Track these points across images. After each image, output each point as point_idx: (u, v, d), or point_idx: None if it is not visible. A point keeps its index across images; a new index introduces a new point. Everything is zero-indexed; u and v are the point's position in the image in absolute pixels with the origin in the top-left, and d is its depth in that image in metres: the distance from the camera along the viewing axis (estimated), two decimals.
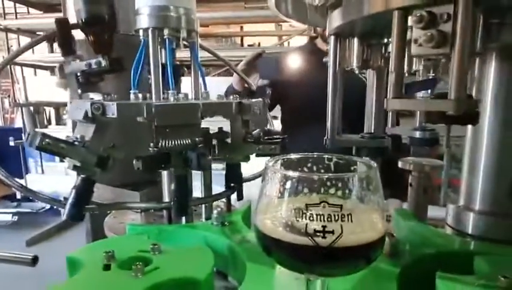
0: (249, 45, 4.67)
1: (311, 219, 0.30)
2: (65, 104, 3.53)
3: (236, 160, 0.81)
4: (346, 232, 0.30)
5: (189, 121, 0.72)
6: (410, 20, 0.49)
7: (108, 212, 0.91)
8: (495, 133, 0.68)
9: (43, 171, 4.06)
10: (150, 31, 0.78)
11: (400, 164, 0.81)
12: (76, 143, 0.66)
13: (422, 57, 0.64)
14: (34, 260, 1.03)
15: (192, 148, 0.70)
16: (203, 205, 0.80)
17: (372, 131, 0.84)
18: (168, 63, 0.80)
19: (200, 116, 0.72)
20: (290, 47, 3.94)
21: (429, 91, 0.71)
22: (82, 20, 0.70)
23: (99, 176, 0.70)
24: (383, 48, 0.71)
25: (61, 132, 1.48)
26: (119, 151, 0.71)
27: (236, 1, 3.91)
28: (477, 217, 0.71)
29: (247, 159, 0.82)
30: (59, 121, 4.55)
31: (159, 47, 0.79)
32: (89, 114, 0.68)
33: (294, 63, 1.53)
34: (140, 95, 0.81)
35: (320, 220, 0.30)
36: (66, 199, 0.70)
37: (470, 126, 0.73)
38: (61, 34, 0.71)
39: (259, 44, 4.73)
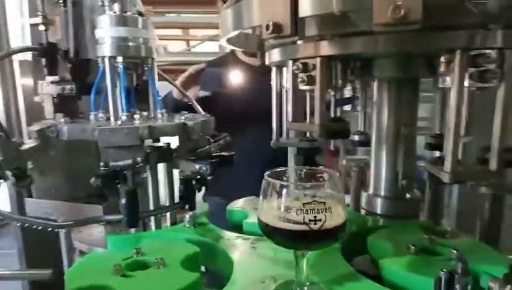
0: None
1: (307, 213, 0.46)
2: None
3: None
4: (328, 219, 0.47)
5: (130, 143, 0.79)
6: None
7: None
8: (385, 139, 0.92)
9: None
10: (106, 59, 0.86)
11: (344, 162, 1.03)
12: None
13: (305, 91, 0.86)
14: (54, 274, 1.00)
15: (133, 167, 0.77)
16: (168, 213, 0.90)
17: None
18: (122, 87, 0.89)
19: (139, 138, 0.79)
20: (199, 52, 4.03)
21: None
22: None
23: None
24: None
25: None
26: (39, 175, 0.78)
27: (145, 5, 3.87)
28: (382, 200, 0.96)
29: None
30: None
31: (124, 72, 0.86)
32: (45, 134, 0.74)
33: (236, 77, 1.65)
34: (101, 115, 0.89)
35: (312, 213, 0.46)
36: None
37: (374, 132, 0.97)
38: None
39: (165, 48, 4.72)
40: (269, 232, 0.51)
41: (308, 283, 0.55)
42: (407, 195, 0.94)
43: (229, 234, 0.78)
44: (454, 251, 0.62)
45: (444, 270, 0.48)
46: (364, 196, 1.00)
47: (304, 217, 0.46)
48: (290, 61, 0.74)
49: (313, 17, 0.64)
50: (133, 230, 0.85)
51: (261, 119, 1.62)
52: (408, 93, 0.90)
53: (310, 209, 0.46)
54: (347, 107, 0.98)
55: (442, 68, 0.63)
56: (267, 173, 0.52)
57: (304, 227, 0.46)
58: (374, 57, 0.84)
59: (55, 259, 1.03)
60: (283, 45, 0.76)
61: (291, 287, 0.55)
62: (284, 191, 0.48)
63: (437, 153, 0.90)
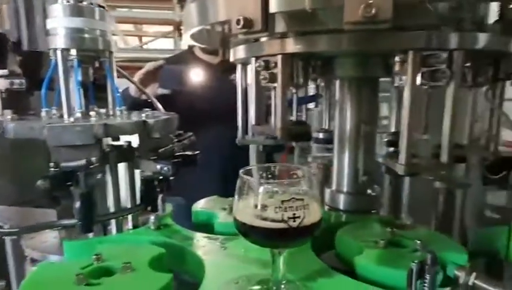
0: None
1: (286, 210, 0.45)
2: None
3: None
4: (306, 216, 0.46)
5: (83, 141, 0.73)
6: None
7: None
8: (346, 136, 0.94)
9: None
10: (58, 52, 0.80)
11: (309, 159, 1.04)
12: None
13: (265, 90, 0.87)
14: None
15: (86, 168, 0.72)
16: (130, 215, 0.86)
17: None
18: (76, 82, 0.83)
19: (94, 137, 0.73)
20: (154, 49, 3.91)
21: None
22: None
23: None
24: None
25: None
26: None
27: None
28: (345, 196, 0.98)
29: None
30: None
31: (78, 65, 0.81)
32: None
33: (196, 75, 1.61)
34: (54, 112, 0.82)
35: (291, 210, 0.45)
36: None
37: (336, 129, 0.99)
38: None
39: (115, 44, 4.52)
40: (246, 231, 0.49)
41: (284, 281, 0.54)
42: (368, 191, 0.97)
43: (197, 235, 0.76)
44: (418, 242, 0.65)
45: (415, 261, 0.50)
46: (327, 192, 1.02)
47: (282, 214, 0.45)
48: (253, 59, 0.73)
49: (283, 14, 0.64)
50: (91, 235, 0.80)
51: (222, 118, 1.60)
52: (368, 92, 0.93)
53: (289, 207, 0.45)
54: (311, 105, 0.99)
55: (396, 68, 0.65)
56: (242, 170, 0.50)
57: (282, 225, 0.45)
58: (335, 55, 0.86)
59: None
60: (247, 42, 0.75)
61: (267, 286, 0.54)
62: (261, 188, 0.47)
63: None
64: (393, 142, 1.01)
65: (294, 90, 0.98)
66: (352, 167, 0.96)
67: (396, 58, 0.64)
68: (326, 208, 1.02)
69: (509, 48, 0.68)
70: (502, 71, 0.68)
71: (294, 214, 0.45)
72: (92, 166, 0.73)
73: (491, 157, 0.78)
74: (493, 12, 0.69)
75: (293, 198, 0.46)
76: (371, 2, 0.52)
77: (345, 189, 0.98)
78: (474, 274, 0.49)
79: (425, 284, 0.51)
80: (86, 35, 0.80)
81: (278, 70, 0.67)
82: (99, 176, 0.77)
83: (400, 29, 0.59)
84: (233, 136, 0.91)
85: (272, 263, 0.53)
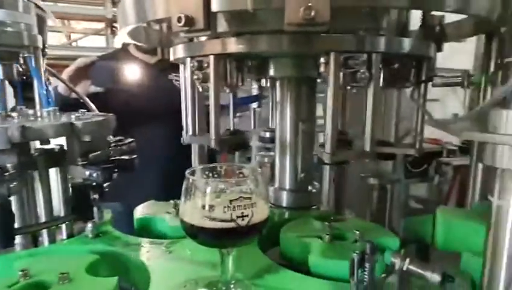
0: None
1: (234, 209, 0.45)
2: None
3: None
4: (254, 214, 0.47)
5: None
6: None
7: None
8: (286, 135, 0.97)
9: None
10: None
11: (256, 158, 1.04)
12: None
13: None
14: None
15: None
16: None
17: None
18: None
19: (8, 141, 0.66)
20: (83, 47, 3.68)
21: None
22: None
23: None
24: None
25: None
26: None
27: None
28: (287, 193, 1.01)
29: None
30: None
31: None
32: None
33: (132, 73, 1.53)
34: None
35: (240, 209, 0.46)
36: None
37: (277, 128, 1.01)
38: None
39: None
40: (195, 233, 0.48)
41: (233, 281, 0.54)
42: (309, 187, 1.01)
43: (140, 240, 0.73)
44: (357, 232, 0.69)
45: (356, 252, 0.53)
46: (270, 191, 1.04)
47: (231, 214, 0.45)
48: (188, 59, 0.73)
49: (225, 13, 0.64)
50: (18, 247, 0.73)
51: (160, 119, 1.56)
52: (306, 92, 0.96)
53: (237, 206, 0.45)
54: (254, 105, 1.00)
55: (321, 69, 0.67)
56: (188, 171, 0.49)
57: (231, 224, 0.45)
58: (271, 56, 0.87)
59: None
60: (186, 42, 0.74)
61: (216, 288, 0.54)
62: (209, 189, 0.47)
63: None
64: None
65: (228, 91, 0.97)
66: (292, 165, 0.99)
67: (321, 60, 0.66)
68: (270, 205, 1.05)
69: (430, 52, 0.75)
70: (425, 73, 0.75)
71: (242, 213, 0.46)
72: (7, 173, 0.66)
73: (417, 154, 0.84)
74: (417, 19, 0.76)
75: (241, 197, 0.46)
76: (310, 4, 0.54)
77: (287, 187, 1.01)
78: (408, 260, 0.54)
79: (366, 273, 0.54)
80: (8, 29, 0.73)
81: (210, 70, 0.67)
82: (13, 184, 0.69)
83: (326, 32, 0.61)
84: (174, 137, 0.89)
85: (221, 264, 0.52)
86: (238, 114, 2.78)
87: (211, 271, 0.60)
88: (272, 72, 0.86)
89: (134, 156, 0.90)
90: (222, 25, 0.65)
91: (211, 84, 0.67)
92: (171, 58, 0.83)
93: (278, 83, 0.96)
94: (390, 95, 1.05)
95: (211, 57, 0.66)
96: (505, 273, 0.54)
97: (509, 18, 0.71)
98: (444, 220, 0.75)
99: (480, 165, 0.87)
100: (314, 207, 1.02)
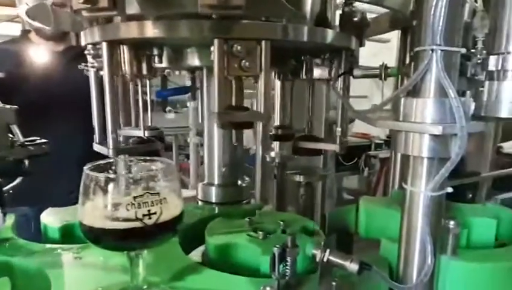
0: None
1: (139, 207, 0.41)
2: None
3: None
4: (164, 211, 0.43)
5: None
6: None
7: None
8: (213, 129, 0.94)
9: None
10: None
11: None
12: None
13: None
14: None
15: None
16: None
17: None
18: None
19: None
20: None
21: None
22: None
23: None
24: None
25: None
26: None
27: None
28: (216, 189, 0.97)
29: None
30: None
31: None
32: None
33: (36, 59, 1.35)
34: None
35: (146, 206, 0.41)
36: None
37: (205, 126, 0.97)
38: None
39: None
40: (96, 236, 0.43)
41: (145, 286, 0.49)
42: (239, 182, 0.99)
43: (46, 247, 0.64)
44: (281, 222, 0.68)
45: (277, 246, 0.51)
46: (200, 187, 1.00)
47: (135, 212, 0.41)
48: (90, 46, 0.66)
49: None
50: None
51: (68, 114, 1.40)
52: (230, 83, 0.93)
53: (143, 203, 0.41)
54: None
55: (212, 57, 0.61)
56: (87, 166, 0.44)
57: (136, 224, 0.41)
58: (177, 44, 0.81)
59: None
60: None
61: None
62: (111, 185, 0.41)
63: None
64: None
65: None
66: (220, 160, 0.96)
67: (212, 48, 0.61)
68: (200, 202, 1.00)
69: (348, 44, 0.74)
70: (345, 66, 0.75)
71: (149, 210, 0.41)
72: None
73: (339, 151, 0.84)
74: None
75: (147, 193, 0.41)
76: None
77: (215, 182, 0.98)
78: (328, 251, 0.53)
79: (287, 267, 0.53)
80: None
81: (104, 58, 0.62)
82: None
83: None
84: (87, 134, 0.81)
85: (130, 268, 0.47)
86: (171, 109, 2.68)
87: (125, 276, 0.54)
88: (191, 62, 0.81)
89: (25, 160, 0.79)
90: (133, 7, 0.59)
91: (105, 74, 0.61)
92: (83, 42, 0.75)
93: (204, 73, 0.92)
94: (319, 90, 1.07)
95: (103, 44, 0.61)
96: (418, 257, 0.56)
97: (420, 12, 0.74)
98: (366, 209, 0.77)
99: (399, 155, 0.91)
100: (245, 201, 1.00)
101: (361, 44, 0.97)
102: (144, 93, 0.93)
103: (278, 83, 1.03)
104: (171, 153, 3.55)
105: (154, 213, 0.41)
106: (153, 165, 0.48)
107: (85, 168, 0.43)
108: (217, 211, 0.91)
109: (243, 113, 0.68)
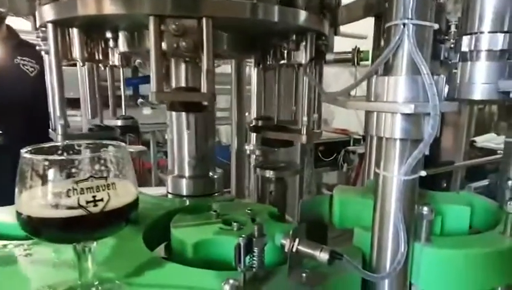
0: None
1: (82, 192, 0.36)
2: None
3: None
4: (113, 198, 0.38)
5: None
6: None
7: None
8: (183, 122, 0.89)
9: None
10: None
11: None
12: None
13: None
14: None
15: None
16: None
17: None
18: None
19: None
20: None
21: None
22: None
23: None
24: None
25: None
26: None
27: None
28: (186, 181, 0.93)
29: None
30: None
31: None
32: None
33: None
34: None
35: (90, 192, 0.37)
36: None
37: (173, 117, 0.93)
38: None
39: None
40: (35, 227, 0.38)
41: (97, 283, 0.45)
42: (210, 173, 0.95)
43: None
44: (249, 211, 0.65)
45: (242, 236, 0.48)
46: (169, 179, 0.95)
47: (78, 198, 0.36)
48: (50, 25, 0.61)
49: None
50: None
51: (13, 109, 1.30)
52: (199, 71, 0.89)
53: (87, 188, 0.36)
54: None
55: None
56: (26, 149, 0.39)
57: (80, 212, 0.36)
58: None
59: None
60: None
61: None
62: (52, 170, 0.37)
63: None
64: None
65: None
66: (190, 151, 0.92)
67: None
68: (170, 196, 0.96)
69: (309, 25, 0.68)
70: (309, 50, 0.71)
71: (94, 196, 0.37)
72: None
73: (305, 142, 0.80)
74: None
75: (91, 177, 0.37)
76: None
77: (186, 174, 0.93)
78: (297, 240, 0.50)
79: (254, 258, 0.49)
80: None
81: (49, 41, 0.57)
82: None
83: None
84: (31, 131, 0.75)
85: (78, 263, 0.43)
86: (143, 102, 2.59)
87: (76, 273, 0.50)
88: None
89: None
90: None
91: (51, 57, 0.57)
92: (37, 23, 0.69)
93: (173, 61, 0.88)
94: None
95: (48, 26, 0.56)
96: (391, 245, 0.53)
97: None
98: (340, 198, 0.75)
99: (374, 142, 0.89)
100: (216, 194, 0.97)
101: (336, 32, 0.95)
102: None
103: (254, 73, 0.99)
104: (148, 151, 3.47)
105: (101, 200, 0.37)
106: (104, 149, 0.44)
107: (22, 151, 0.38)
108: (187, 204, 0.87)
109: (182, 93, 0.64)
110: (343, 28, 0.92)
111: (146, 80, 0.97)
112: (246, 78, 1.30)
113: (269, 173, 0.97)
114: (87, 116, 0.97)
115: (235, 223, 0.64)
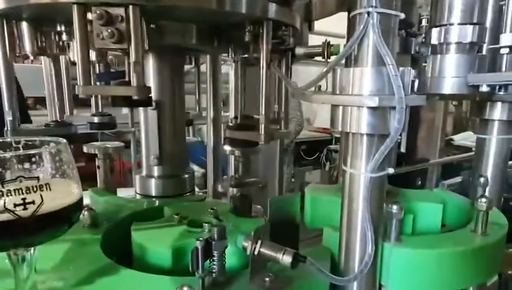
0: None
1: (9, 194, 0.32)
2: None
3: None
4: (47, 200, 0.34)
5: None
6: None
7: None
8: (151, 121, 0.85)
9: None
10: None
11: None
12: None
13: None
14: None
15: None
16: None
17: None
18: None
19: None
20: None
21: None
22: None
23: None
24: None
25: None
26: None
27: None
28: (156, 181, 0.89)
29: None
30: None
31: None
32: None
33: None
34: None
35: (19, 194, 0.33)
36: None
37: (141, 115, 0.89)
38: None
39: None
40: None
41: None
42: (182, 173, 0.91)
43: None
44: (212, 210, 0.62)
45: (200, 239, 0.44)
46: (137, 179, 0.91)
47: (4, 201, 0.32)
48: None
49: None
50: None
51: None
52: (169, 66, 0.85)
53: (15, 190, 0.33)
54: None
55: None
56: None
57: (7, 216, 0.32)
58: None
59: None
60: None
61: None
62: None
63: None
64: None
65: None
66: (156, 150, 0.88)
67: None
68: (138, 197, 0.92)
69: (271, 15, 0.64)
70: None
71: (24, 199, 0.33)
72: None
73: (263, 142, 0.76)
74: None
75: (20, 177, 0.33)
76: None
77: (155, 174, 0.89)
78: (259, 242, 0.47)
79: (214, 262, 0.46)
80: None
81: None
82: None
83: None
84: None
85: (14, 273, 0.39)
86: None
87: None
88: None
89: None
90: None
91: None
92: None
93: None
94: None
95: None
96: (360, 246, 0.51)
97: None
98: (311, 197, 0.72)
99: None
100: (188, 193, 0.93)
101: (310, 27, 0.92)
102: None
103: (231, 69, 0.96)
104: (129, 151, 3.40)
105: (32, 203, 0.33)
106: (43, 146, 0.40)
107: None
108: (156, 205, 0.83)
109: (109, 87, 0.60)
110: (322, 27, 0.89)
111: (118, 75, 0.92)
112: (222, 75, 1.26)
113: (231, 191, 0.92)
114: (52, 113, 0.93)
115: (206, 224, 0.61)
